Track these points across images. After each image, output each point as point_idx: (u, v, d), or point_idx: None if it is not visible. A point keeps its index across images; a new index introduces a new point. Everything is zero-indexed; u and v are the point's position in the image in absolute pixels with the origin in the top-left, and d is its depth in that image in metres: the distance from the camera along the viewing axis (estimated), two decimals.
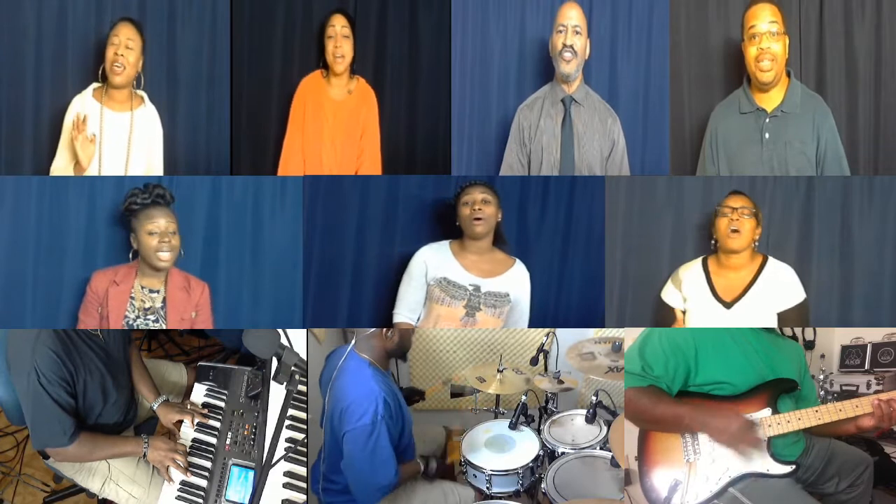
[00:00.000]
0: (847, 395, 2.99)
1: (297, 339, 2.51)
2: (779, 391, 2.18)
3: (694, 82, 3.13)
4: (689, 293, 2.59)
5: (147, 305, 2.45)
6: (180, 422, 2.54)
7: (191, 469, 2.37)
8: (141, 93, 2.77)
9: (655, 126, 3.10)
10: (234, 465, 2.37)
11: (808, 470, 2.25)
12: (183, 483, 2.34)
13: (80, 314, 2.46)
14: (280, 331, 2.13)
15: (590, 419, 2.84)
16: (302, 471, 2.35)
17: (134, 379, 2.61)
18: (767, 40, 2.68)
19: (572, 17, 2.78)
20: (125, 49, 2.68)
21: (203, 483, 2.34)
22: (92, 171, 2.66)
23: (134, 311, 2.43)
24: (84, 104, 2.71)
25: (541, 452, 2.68)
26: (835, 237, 2.69)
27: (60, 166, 2.70)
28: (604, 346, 3.03)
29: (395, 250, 2.74)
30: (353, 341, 2.42)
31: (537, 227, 2.79)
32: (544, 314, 2.77)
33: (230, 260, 2.66)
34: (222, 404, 2.63)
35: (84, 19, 2.91)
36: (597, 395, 2.85)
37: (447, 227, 2.70)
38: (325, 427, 2.36)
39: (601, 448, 2.71)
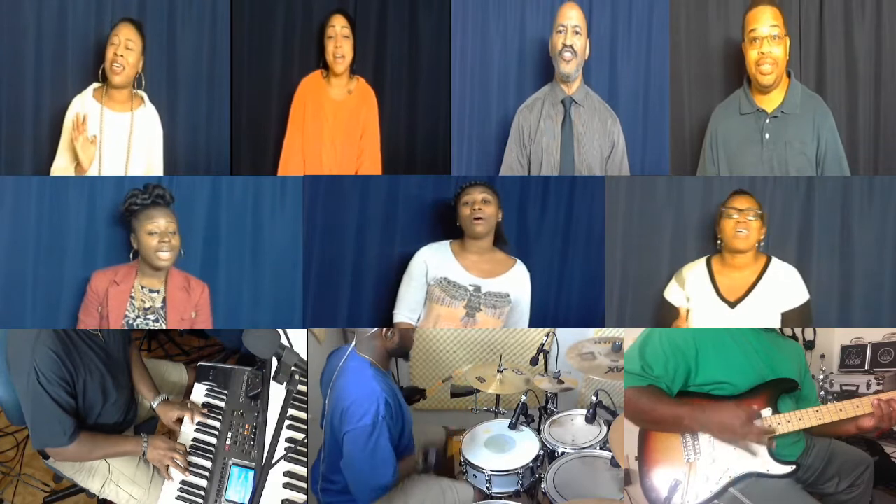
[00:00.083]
0: (847, 395, 2.98)
1: (297, 339, 2.51)
2: (779, 391, 2.18)
3: (694, 82, 3.13)
4: (692, 292, 2.59)
5: (147, 305, 2.45)
6: (181, 420, 2.54)
7: (191, 469, 2.37)
8: (141, 93, 2.77)
9: (655, 126, 3.10)
10: (234, 465, 2.37)
11: (808, 470, 2.25)
12: (183, 483, 2.34)
13: (80, 314, 2.46)
14: (280, 331, 2.13)
15: (590, 419, 2.84)
16: (302, 471, 2.35)
17: (134, 379, 2.61)
18: (768, 44, 2.67)
19: (572, 17, 2.78)
20: (125, 49, 2.68)
21: (203, 483, 2.34)
22: (92, 171, 2.66)
23: (134, 311, 2.43)
24: (84, 104, 2.71)
25: (541, 452, 2.67)
26: (835, 237, 2.69)
27: (61, 167, 2.70)
28: (604, 346, 3.03)
29: (395, 250, 2.74)
30: (354, 341, 2.42)
31: (537, 227, 2.79)
32: (544, 314, 2.77)
33: (230, 260, 2.66)
34: (222, 404, 2.63)
35: (84, 19, 2.91)
36: (597, 395, 2.85)
37: (447, 227, 2.70)
38: (326, 427, 2.36)
39: (601, 448, 2.71)
